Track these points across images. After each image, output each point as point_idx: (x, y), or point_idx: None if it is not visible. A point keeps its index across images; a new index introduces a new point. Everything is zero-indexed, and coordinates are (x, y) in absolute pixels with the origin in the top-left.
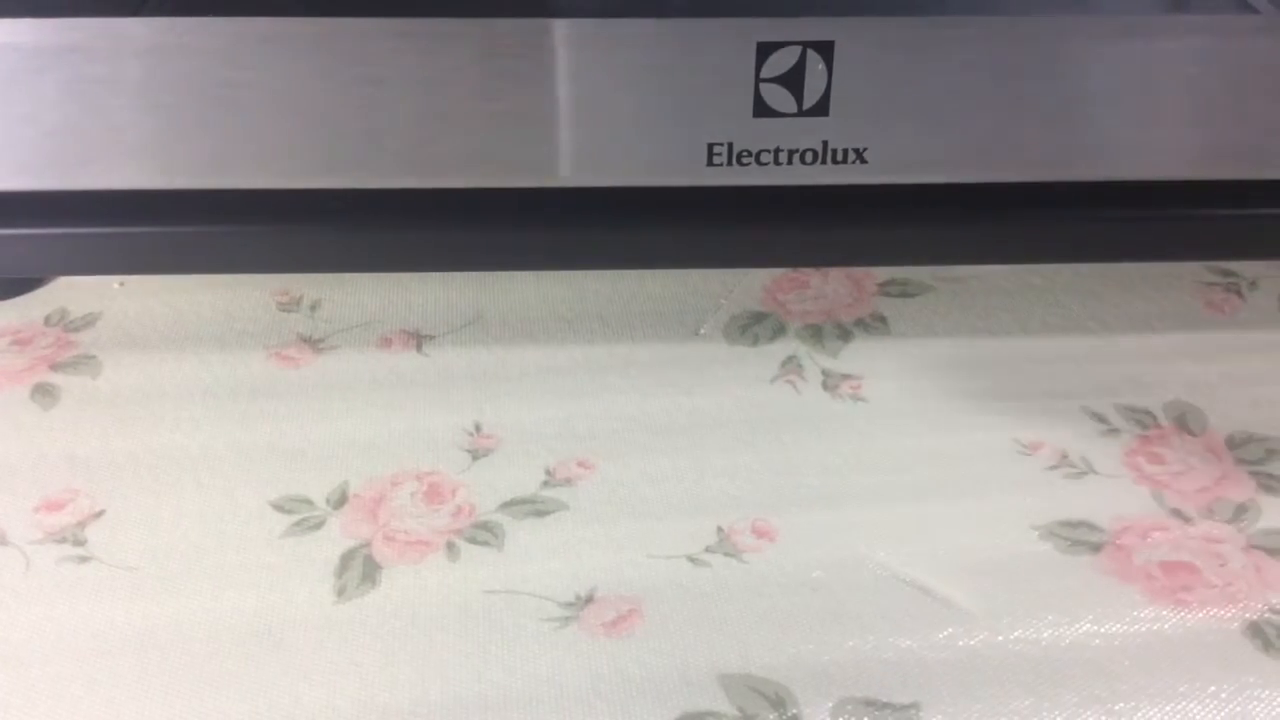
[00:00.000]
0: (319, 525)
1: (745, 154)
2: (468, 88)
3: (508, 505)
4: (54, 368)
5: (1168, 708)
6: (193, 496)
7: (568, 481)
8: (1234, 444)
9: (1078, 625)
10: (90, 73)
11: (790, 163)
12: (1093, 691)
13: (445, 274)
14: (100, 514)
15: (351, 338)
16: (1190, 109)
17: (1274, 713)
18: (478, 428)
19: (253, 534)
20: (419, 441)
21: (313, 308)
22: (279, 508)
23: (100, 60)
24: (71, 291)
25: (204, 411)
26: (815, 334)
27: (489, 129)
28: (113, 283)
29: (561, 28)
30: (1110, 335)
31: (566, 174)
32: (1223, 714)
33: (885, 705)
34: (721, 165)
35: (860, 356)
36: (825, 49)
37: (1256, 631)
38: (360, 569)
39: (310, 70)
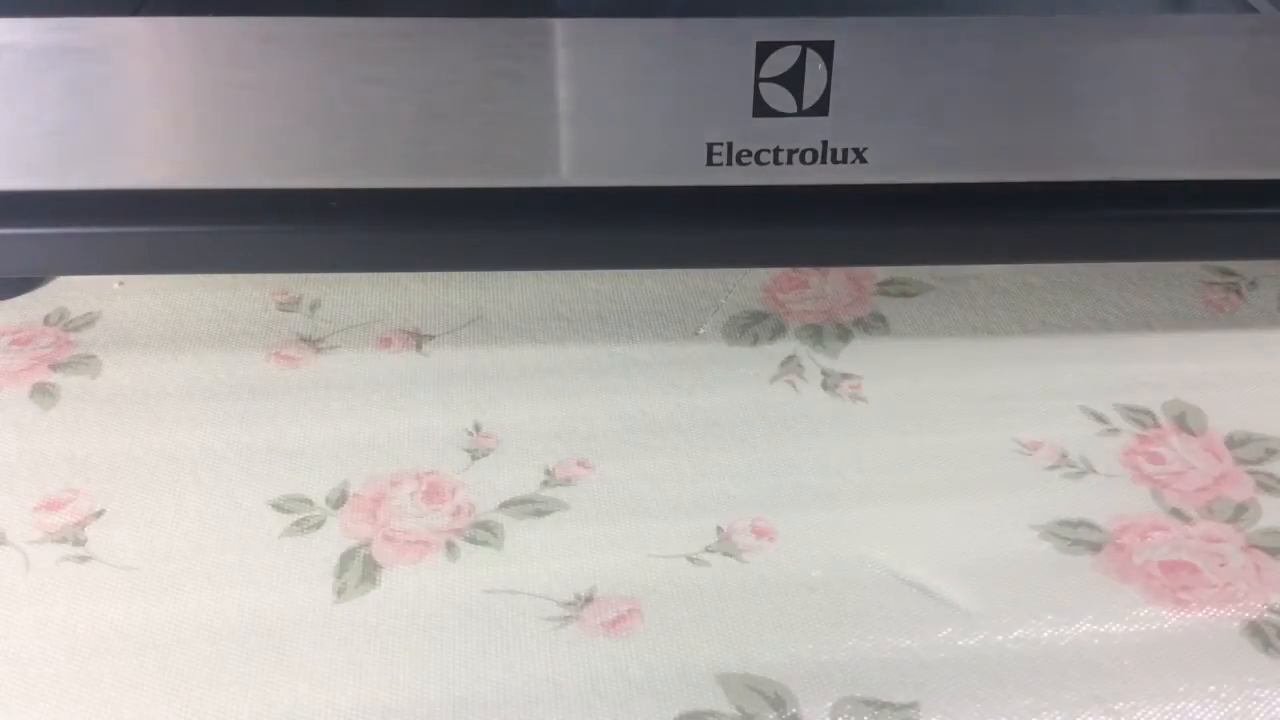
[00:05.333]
0: (319, 525)
1: (745, 154)
2: (468, 88)
3: (507, 505)
4: (53, 368)
5: (1168, 708)
6: (193, 496)
7: (568, 481)
8: (1234, 444)
9: (1078, 625)
10: (90, 73)
11: (790, 162)
12: (1093, 691)
13: (445, 274)
14: (100, 514)
15: (351, 338)
16: (1190, 109)
17: (1274, 713)
18: (477, 427)
19: (253, 534)
20: (419, 441)
21: (313, 308)
22: (279, 508)
23: (100, 60)
24: (71, 291)
25: (204, 411)
26: (815, 334)
27: (489, 129)
28: (113, 283)
29: (561, 28)
30: (1110, 335)
31: (566, 174)
32: (1223, 714)
33: (885, 705)
34: (721, 165)
35: (860, 356)
36: (825, 49)
37: (1256, 631)
38: (360, 569)
39: (310, 70)
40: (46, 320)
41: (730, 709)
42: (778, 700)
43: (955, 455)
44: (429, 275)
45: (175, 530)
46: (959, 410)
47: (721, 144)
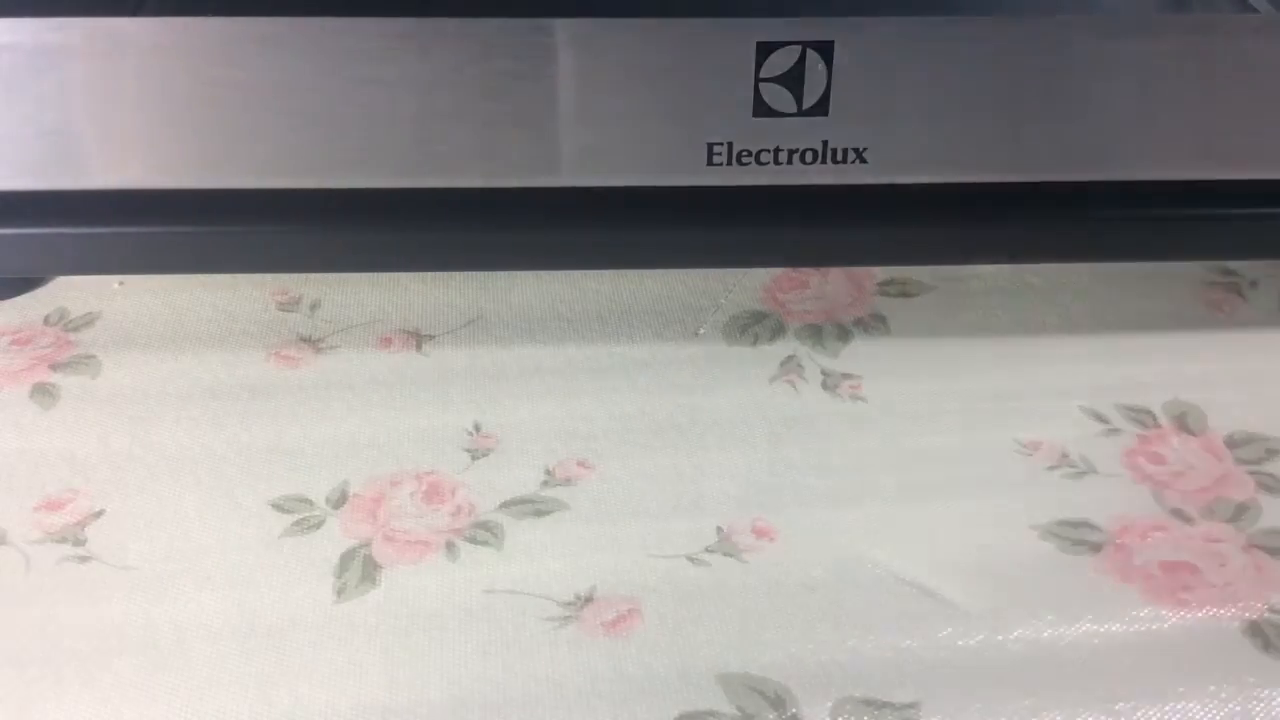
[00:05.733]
0: (319, 525)
1: (745, 154)
2: (468, 88)
3: (507, 505)
4: (53, 367)
5: (1168, 708)
6: (193, 496)
7: (568, 481)
8: (1234, 444)
9: (1078, 625)
10: (90, 73)
11: (790, 162)
12: (1093, 691)
13: (445, 274)
14: (100, 514)
15: (351, 338)
16: (1190, 109)
17: (1274, 713)
18: (477, 427)
19: (253, 534)
20: (419, 441)
21: (313, 308)
22: (279, 508)
23: (100, 60)
24: (71, 291)
25: (204, 411)
26: (815, 334)
27: (489, 129)
28: (113, 283)
29: (561, 28)
30: (1110, 335)
31: (567, 174)
32: (1223, 714)
33: (885, 705)
34: (721, 165)
35: (860, 356)
36: (825, 49)
37: (1256, 631)
38: (360, 569)
39: (310, 70)
40: (46, 320)
41: (730, 709)
42: (778, 700)
43: (955, 455)
44: (429, 275)
45: (175, 530)
46: (959, 410)
47: (721, 144)
